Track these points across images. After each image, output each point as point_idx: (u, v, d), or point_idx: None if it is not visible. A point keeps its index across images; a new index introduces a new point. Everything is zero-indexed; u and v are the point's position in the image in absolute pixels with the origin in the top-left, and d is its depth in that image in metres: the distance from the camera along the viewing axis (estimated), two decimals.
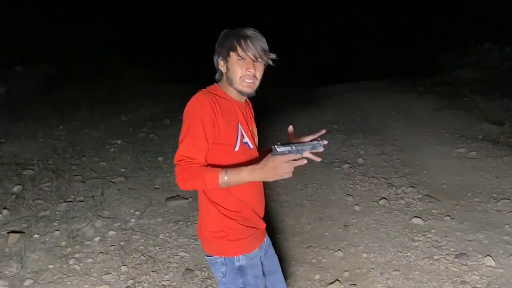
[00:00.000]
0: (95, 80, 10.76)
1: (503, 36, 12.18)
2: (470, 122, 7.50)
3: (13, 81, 9.77)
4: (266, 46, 1.81)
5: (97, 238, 3.92)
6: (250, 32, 1.79)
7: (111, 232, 4.04)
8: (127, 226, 4.20)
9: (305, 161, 1.61)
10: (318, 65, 14.57)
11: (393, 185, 5.18)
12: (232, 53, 1.78)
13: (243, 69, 1.78)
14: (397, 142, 6.80)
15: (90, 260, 3.62)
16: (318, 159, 1.80)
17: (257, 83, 1.84)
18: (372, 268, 3.53)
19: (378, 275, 3.43)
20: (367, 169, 5.78)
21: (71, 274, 3.43)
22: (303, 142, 1.70)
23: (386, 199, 4.81)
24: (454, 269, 3.43)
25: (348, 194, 4.98)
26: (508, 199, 4.58)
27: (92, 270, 3.50)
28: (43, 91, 9.61)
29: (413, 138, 6.97)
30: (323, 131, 1.89)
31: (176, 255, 3.74)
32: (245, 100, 1.99)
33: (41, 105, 8.63)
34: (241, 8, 16.86)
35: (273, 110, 9.27)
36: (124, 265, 3.55)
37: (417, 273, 3.42)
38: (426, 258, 3.61)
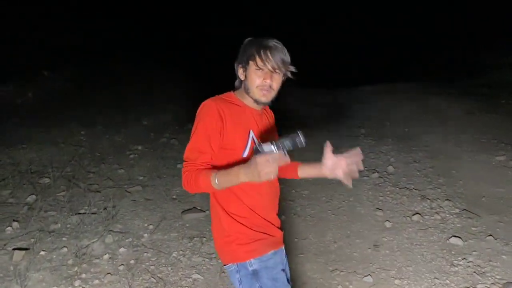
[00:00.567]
0: (121, 83, 10.54)
1: None
2: (509, 128, 6.90)
3: (40, 86, 9.65)
4: (286, 58, 1.78)
5: (106, 256, 3.60)
6: (272, 43, 1.76)
7: (122, 249, 3.71)
8: (139, 242, 3.87)
9: (288, 160, 1.51)
10: (320, 65, 14.05)
11: (427, 198, 4.70)
12: (251, 62, 1.77)
13: (260, 79, 1.76)
14: (429, 149, 6.30)
15: (96, 281, 3.29)
16: (357, 175, 1.81)
17: (274, 93, 1.82)
18: None
19: None
20: (398, 178, 5.30)
21: None
22: (283, 137, 1.56)
23: (420, 214, 4.33)
24: None
25: (377, 208, 4.52)
26: None
27: None
28: (69, 95, 9.43)
29: (446, 144, 6.45)
30: (358, 151, 1.85)
31: (189, 277, 3.38)
32: (263, 108, 1.95)
33: (66, 110, 8.44)
34: (241, 8, 16.48)
35: (297, 113, 8.85)
36: None
37: None
38: (469, 287, 3.13)
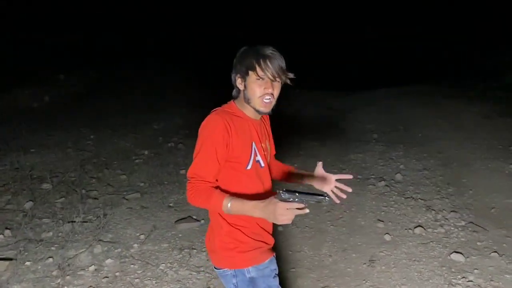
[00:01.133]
0: (137, 87, 10.51)
1: None
2: None
3: (56, 89, 9.71)
4: (284, 65, 1.76)
5: (92, 268, 3.48)
6: (269, 51, 1.74)
7: (109, 261, 3.59)
8: (128, 252, 3.74)
9: (307, 211, 1.53)
10: (331, 68, 13.71)
11: (433, 209, 4.43)
12: (251, 72, 1.75)
13: (262, 88, 1.75)
14: (442, 155, 5.99)
15: None
16: (349, 189, 1.93)
17: (274, 102, 1.81)
18: None
19: None
20: (405, 187, 5.04)
21: None
22: (309, 194, 1.55)
23: (423, 226, 4.07)
24: None
25: (379, 220, 4.28)
26: None
27: None
28: (83, 99, 9.47)
29: (460, 151, 6.13)
30: (349, 177, 1.96)
31: None
32: (261, 118, 1.95)
33: (79, 113, 8.45)
34: (241, 8, 16.26)
35: (306, 117, 8.62)
36: None
37: None
38: None
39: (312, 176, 2.01)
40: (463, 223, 4.13)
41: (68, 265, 3.49)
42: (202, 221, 4.30)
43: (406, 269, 3.44)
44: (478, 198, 4.66)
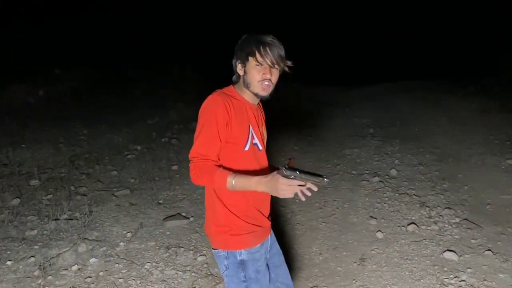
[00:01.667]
0: (131, 82, 10.36)
1: None
2: None
3: (52, 84, 9.54)
4: (283, 53, 1.81)
5: (75, 267, 3.35)
6: (269, 39, 1.79)
7: (93, 260, 3.45)
8: (113, 251, 3.60)
9: (309, 194, 1.60)
10: (328, 63, 13.53)
11: (427, 205, 4.29)
12: (250, 58, 1.79)
13: (260, 74, 1.79)
14: (438, 151, 5.85)
15: None
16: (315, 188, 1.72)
17: (272, 87, 1.85)
18: None
19: None
20: (399, 183, 4.90)
21: None
22: (309, 173, 1.60)
23: (416, 224, 3.93)
24: None
25: (371, 217, 4.14)
26: None
27: None
28: (78, 94, 9.31)
29: (456, 146, 5.99)
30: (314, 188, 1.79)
31: None
32: (258, 103, 1.99)
33: (73, 109, 8.32)
34: (241, 8, 16.06)
35: (305, 111, 8.47)
36: None
37: None
38: None
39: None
40: (457, 220, 3.99)
41: (50, 264, 3.35)
42: (192, 219, 4.17)
43: (398, 268, 3.30)
44: (474, 194, 4.52)
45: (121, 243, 3.73)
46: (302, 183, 1.57)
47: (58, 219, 4.03)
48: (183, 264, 3.44)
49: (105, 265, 3.41)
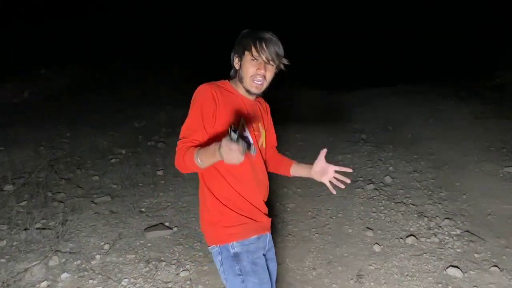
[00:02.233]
0: (119, 84, 9.97)
1: None
2: None
3: (37, 85, 9.14)
4: (280, 51, 1.79)
5: (44, 284, 2.99)
6: (267, 35, 1.77)
7: (64, 275, 3.09)
8: (88, 265, 3.24)
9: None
10: (321, 67, 13.31)
11: (425, 216, 3.98)
12: (246, 52, 1.77)
13: (254, 68, 1.77)
14: (433, 157, 5.55)
15: None
16: (342, 186, 1.88)
17: (266, 84, 1.82)
18: None
19: None
20: (395, 191, 4.59)
21: None
22: (245, 138, 1.65)
23: (415, 236, 3.62)
24: None
25: (367, 228, 3.82)
26: None
27: None
28: (64, 95, 8.92)
29: (452, 152, 5.69)
30: (349, 170, 1.88)
31: None
32: (257, 99, 1.95)
33: (58, 110, 7.91)
34: (241, 8, 15.78)
35: (297, 115, 8.14)
36: None
37: None
38: None
39: (311, 167, 1.95)
40: (458, 231, 3.69)
41: (15, 281, 2.99)
42: (175, 229, 3.82)
43: (398, 286, 2.98)
44: (473, 204, 4.22)
45: (97, 256, 3.36)
46: (240, 145, 1.43)
47: (30, 229, 3.65)
48: (164, 280, 3.09)
49: (78, 281, 3.05)
